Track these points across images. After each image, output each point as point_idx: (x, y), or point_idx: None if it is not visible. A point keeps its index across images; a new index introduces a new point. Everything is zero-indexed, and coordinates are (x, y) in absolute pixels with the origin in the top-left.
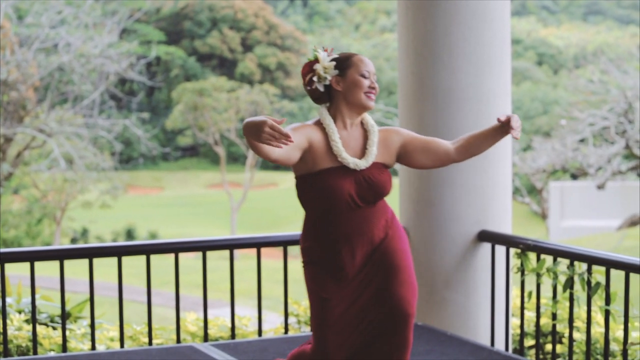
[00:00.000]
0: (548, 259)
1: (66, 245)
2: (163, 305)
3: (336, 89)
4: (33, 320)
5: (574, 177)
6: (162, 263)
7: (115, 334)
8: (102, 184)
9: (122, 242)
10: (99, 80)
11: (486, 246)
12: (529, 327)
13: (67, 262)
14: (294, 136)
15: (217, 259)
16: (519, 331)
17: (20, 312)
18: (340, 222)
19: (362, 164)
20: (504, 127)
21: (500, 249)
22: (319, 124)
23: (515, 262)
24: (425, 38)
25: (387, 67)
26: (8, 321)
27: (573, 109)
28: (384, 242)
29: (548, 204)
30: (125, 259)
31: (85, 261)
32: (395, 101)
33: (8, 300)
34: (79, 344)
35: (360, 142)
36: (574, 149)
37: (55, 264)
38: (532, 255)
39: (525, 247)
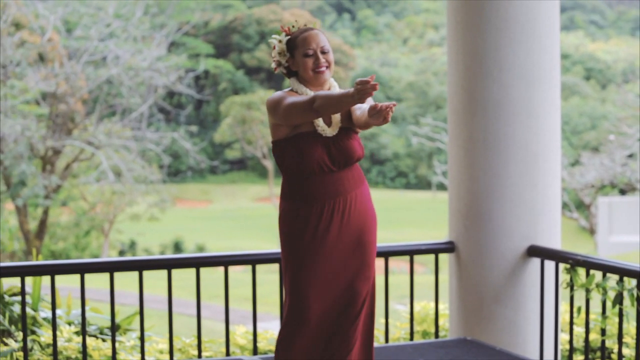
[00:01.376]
0: (597, 275)
1: (116, 257)
2: (211, 319)
3: (293, 69)
4: (83, 332)
5: (623, 192)
6: (211, 276)
7: (165, 346)
8: (150, 196)
9: (171, 255)
10: (148, 93)
11: (535, 261)
12: (578, 343)
13: (116, 275)
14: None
15: (265, 273)
16: (567, 347)
17: (70, 324)
18: (314, 184)
19: (329, 131)
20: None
21: (550, 264)
22: (294, 93)
23: (564, 277)
24: (474, 53)
25: (435, 81)
26: (58, 332)
27: (621, 124)
28: (356, 216)
29: (596, 219)
30: (174, 272)
31: (134, 273)
32: (443, 115)
33: (58, 312)
34: (128, 356)
35: None
36: (623, 164)
37: (104, 276)
38: (582, 271)
39: (574, 262)
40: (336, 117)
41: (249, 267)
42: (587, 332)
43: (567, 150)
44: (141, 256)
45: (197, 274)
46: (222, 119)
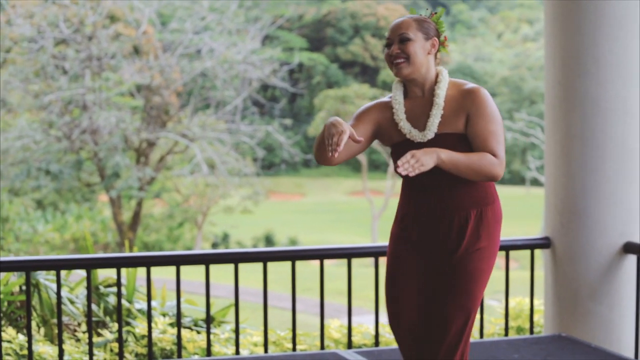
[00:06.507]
0: None
1: (212, 250)
2: (304, 312)
3: None
4: (178, 324)
5: None
6: (303, 270)
7: (259, 339)
8: (244, 189)
9: (267, 248)
10: (242, 86)
11: (631, 258)
12: None
13: (209, 267)
14: (356, 130)
15: (359, 267)
16: None
17: (164, 316)
18: (415, 197)
19: (419, 136)
20: None
21: None
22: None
23: None
24: (571, 49)
25: (529, 76)
26: (153, 324)
27: None
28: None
29: None
30: (268, 265)
31: (226, 266)
32: (537, 110)
33: (153, 303)
34: (223, 348)
35: (427, 113)
36: None
37: (197, 268)
38: None
39: None
40: (432, 120)
41: (341, 261)
42: None
43: None
44: (237, 249)
45: (292, 267)
46: (315, 113)
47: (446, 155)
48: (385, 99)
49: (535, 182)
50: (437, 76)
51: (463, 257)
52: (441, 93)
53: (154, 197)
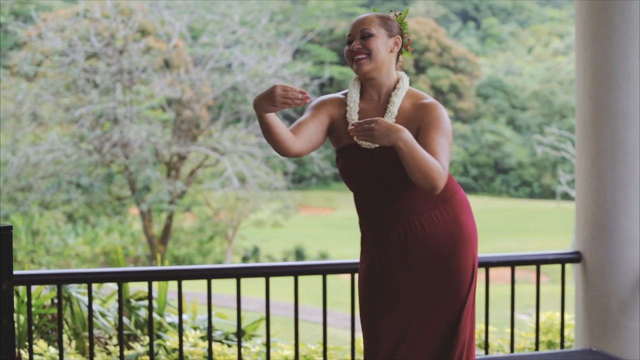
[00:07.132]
0: None
1: (243, 263)
2: (335, 326)
3: None
4: (209, 337)
5: None
6: (334, 283)
7: (290, 352)
8: (274, 203)
9: (298, 262)
10: None
11: None
12: None
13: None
14: (311, 122)
15: None
16: None
17: (195, 329)
18: (365, 208)
19: (367, 142)
20: None
21: None
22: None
23: None
24: (602, 63)
25: (560, 90)
26: (184, 337)
27: None
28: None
29: None
30: (298, 279)
31: (256, 280)
32: (568, 124)
33: (183, 317)
34: None
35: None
36: None
37: (227, 282)
38: None
39: None
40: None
41: None
42: None
43: None
44: (268, 262)
45: (323, 281)
46: None
47: (407, 143)
48: (339, 95)
49: (566, 197)
50: (397, 82)
51: (438, 265)
52: (397, 101)
53: (185, 211)
